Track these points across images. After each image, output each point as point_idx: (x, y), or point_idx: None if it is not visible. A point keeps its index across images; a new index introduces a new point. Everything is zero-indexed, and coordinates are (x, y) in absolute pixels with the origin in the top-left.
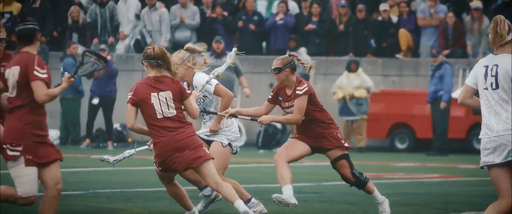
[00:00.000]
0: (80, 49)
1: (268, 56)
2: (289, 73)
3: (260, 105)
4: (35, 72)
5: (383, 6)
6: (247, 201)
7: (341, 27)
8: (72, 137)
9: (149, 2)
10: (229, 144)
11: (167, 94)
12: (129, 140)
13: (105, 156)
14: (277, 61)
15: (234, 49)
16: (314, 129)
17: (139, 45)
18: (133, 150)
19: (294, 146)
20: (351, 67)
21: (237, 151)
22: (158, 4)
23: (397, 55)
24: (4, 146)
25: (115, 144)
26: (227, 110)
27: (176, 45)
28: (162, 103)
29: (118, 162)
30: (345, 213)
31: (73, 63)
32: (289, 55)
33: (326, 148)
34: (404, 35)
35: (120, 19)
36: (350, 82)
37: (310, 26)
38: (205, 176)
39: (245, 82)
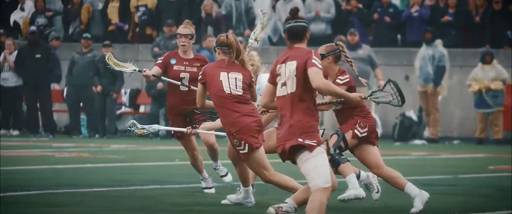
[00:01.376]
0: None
1: (403, 48)
2: (332, 61)
3: None
4: (312, 61)
5: None
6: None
7: (477, 18)
8: None
9: None
10: None
11: (237, 75)
12: None
13: (132, 122)
14: (321, 48)
15: (260, 10)
16: (352, 116)
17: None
18: (163, 126)
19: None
20: (486, 59)
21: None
22: None
23: None
24: (301, 140)
25: None
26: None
27: (312, 38)
28: (231, 81)
29: (145, 133)
30: (481, 206)
31: (209, 56)
32: (336, 44)
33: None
34: None
35: (256, 12)
36: (485, 74)
37: (446, 18)
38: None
39: (380, 74)
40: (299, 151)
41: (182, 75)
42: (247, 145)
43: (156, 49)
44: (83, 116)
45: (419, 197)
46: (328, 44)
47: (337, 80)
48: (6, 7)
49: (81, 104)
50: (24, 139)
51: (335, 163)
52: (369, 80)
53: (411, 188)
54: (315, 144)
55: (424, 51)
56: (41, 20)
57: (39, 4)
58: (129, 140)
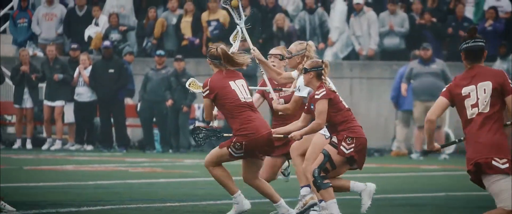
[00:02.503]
0: None
1: None
2: (313, 77)
3: None
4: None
5: None
6: None
7: None
8: None
9: (357, 6)
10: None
11: (242, 82)
12: None
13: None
14: (307, 62)
15: (239, 27)
16: (338, 131)
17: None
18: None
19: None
20: None
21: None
22: (365, 8)
23: None
24: (493, 160)
25: None
26: None
27: (385, 52)
28: (241, 89)
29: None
30: None
31: None
32: (322, 61)
33: None
34: None
35: (330, 25)
36: None
37: None
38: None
39: None
40: (487, 170)
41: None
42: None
43: None
44: (156, 131)
45: (366, 192)
46: (314, 59)
47: (315, 96)
48: (81, 22)
49: (154, 119)
50: (97, 154)
51: (316, 187)
52: None
53: (355, 185)
54: (506, 164)
55: (498, 65)
56: (114, 35)
57: (113, 20)
58: (202, 155)
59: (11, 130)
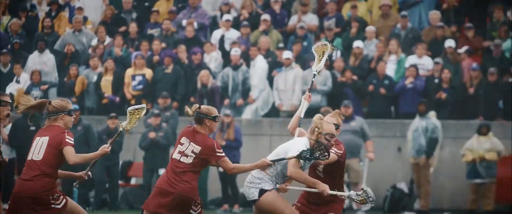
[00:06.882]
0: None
1: (396, 120)
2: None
3: (388, 168)
4: None
5: None
6: None
7: (471, 90)
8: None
9: (287, 61)
10: None
11: (44, 140)
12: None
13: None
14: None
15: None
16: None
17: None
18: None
19: None
20: (482, 131)
21: None
22: (293, 64)
23: None
24: None
25: (241, 209)
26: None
27: (307, 110)
28: (37, 146)
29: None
30: None
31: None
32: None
33: None
34: None
35: (251, 82)
36: (481, 145)
37: (441, 94)
38: None
39: (370, 146)
40: None
41: None
42: None
43: (149, 120)
44: (75, 189)
45: None
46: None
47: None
48: (5, 79)
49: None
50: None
51: None
52: (361, 152)
53: None
54: None
55: (417, 123)
56: (36, 93)
57: (35, 77)
58: (133, 212)
59: None
